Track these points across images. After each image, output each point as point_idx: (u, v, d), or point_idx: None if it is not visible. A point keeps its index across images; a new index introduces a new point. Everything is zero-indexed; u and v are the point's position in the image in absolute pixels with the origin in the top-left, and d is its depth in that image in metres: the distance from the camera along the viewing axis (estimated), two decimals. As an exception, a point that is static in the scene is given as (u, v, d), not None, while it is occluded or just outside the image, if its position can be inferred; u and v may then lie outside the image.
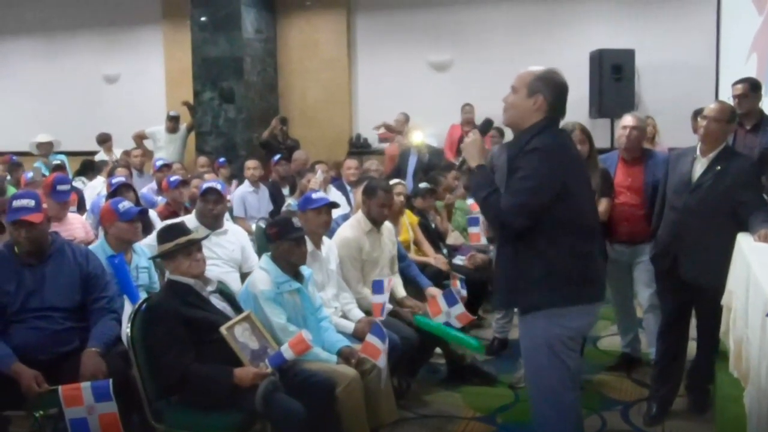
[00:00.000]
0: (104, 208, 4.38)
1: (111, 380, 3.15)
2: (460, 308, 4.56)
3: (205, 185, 4.95)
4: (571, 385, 3.08)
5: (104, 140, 10.42)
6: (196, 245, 3.63)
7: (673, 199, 4.23)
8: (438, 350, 4.99)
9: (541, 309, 2.98)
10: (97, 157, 9.77)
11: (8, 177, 8.31)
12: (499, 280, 3.15)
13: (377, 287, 4.35)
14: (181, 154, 10.43)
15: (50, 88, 12.28)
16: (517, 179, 2.90)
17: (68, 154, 10.13)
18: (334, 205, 4.49)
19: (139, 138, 10.47)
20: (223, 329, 3.40)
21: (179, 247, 3.56)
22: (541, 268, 2.94)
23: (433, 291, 4.94)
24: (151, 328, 3.44)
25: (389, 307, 4.40)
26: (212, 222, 4.83)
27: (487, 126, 3.36)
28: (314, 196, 4.43)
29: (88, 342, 3.56)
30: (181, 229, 3.68)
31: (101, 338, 3.58)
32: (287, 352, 3.34)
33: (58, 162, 8.49)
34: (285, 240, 3.90)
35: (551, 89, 3.01)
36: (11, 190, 7.60)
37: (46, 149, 9.45)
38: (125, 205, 4.26)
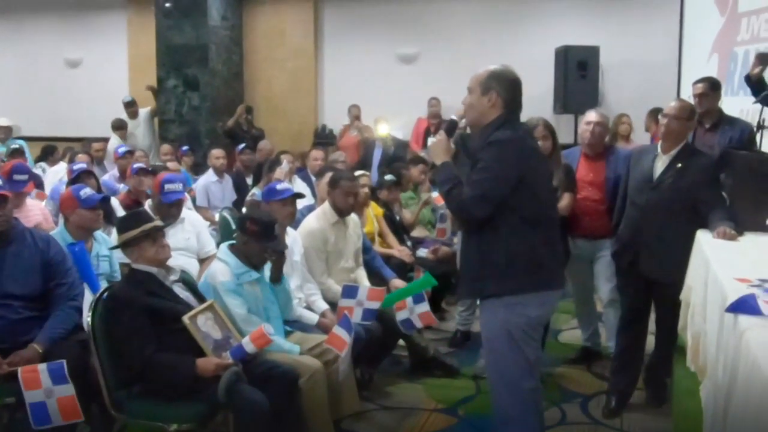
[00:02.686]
0: (65, 194, 4.31)
1: (65, 362, 3.13)
2: (425, 306, 4.55)
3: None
4: (530, 373, 3.15)
5: (119, 126, 10.12)
6: (161, 231, 3.59)
7: (634, 196, 4.28)
8: (401, 342, 5.00)
9: (501, 296, 3.08)
10: (111, 144, 9.51)
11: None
12: (463, 269, 3.26)
13: (349, 292, 4.29)
14: (148, 139, 10.29)
15: (11, 72, 12.03)
16: (477, 171, 3.03)
17: (28, 139, 9.96)
18: (299, 195, 4.47)
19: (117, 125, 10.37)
20: (185, 318, 3.37)
21: (144, 234, 3.51)
22: (502, 256, 3.05)
23: (397, 283, 4.96)
24: (113, 318, 3.39)
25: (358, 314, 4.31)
26: (167, 215, 4.73)
27: (452, 126, 3.40)
28: (279, 187, 4.39)
29: (37, 336, 3.50)
30: (144, 216, 3.64)
31: (50, 333, 3.53)
32: (248, 345, 3.32)
33: (16, 146, 8.31)
34: (260, 245, 3.85)
35: (504, 85, 3.13)
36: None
37: (4, 134, 9.27)
38: (87, 192, 4.19)
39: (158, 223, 3.62)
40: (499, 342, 3.12)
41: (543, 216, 3.14)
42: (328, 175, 5.01)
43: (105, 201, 4.31)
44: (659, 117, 4.31)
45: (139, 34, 11.16)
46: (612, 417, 4.35)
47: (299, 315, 4.23)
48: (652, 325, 4.46)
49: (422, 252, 6.09)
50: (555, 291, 3.21)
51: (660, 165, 4.18)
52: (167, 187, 4.70)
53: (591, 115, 4.83)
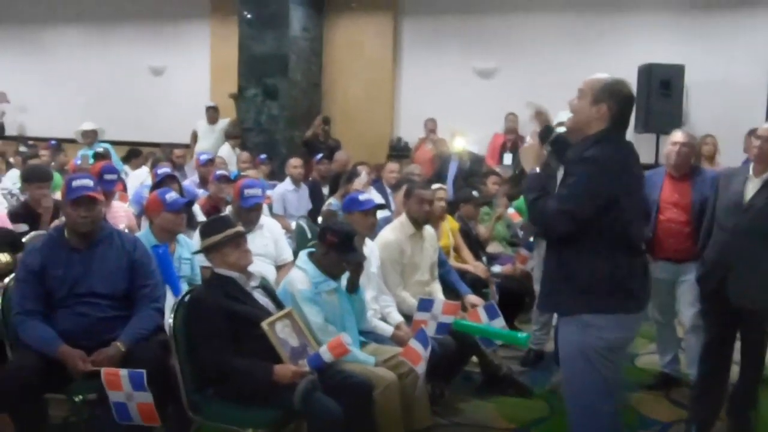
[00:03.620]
0: (151, 197, 4.41)
1: (145, 372, 3.17)
2: (500, 322, 4.47)
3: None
4: (608, 395, 3.05)
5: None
6: (243, 237, 3.64)
7: (722, 219, 4.15)
8: (474, 359, 4.95)
9: (576, 314, 3.00)
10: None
11: (52, 163, 8.44)
12: (543, 282, 3.21)
13: (424, 305, 4.24)
14: (218, 146, 10.49)
15: (96, 78, 12.43)
16: (567, 185, 2.94)
17: (112, 143, 10.24)
18: (381, 206, 4.47)
19: (194, 137, 10.64)
20: (264, 324, 3.40)
21: (228, 239, 3.57)
22: (582, 273, 2.97)
23: (472, 299, 4.91)
24: (194, 320, 3.45)
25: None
26: (246, 221, 4.78)
27: (547, 133, 3.32)
28: (361, 197, 4.41)
29: (120, 335, 3.58)
30: (227, 222, 3.70)
31: (133, 333, 3.60)
32: (326, 354, 3.32)
33: (101, 150, 8.57)
34: (339, 256, 3.87)
35: (616, 100, 3.01)
36: (56, 177, 7.73)
37: (90, 137, 9.57)
38: (172, 195, 4.29)
39: (240, 228, 3.67)
40: (575, 362, 3.04)
41: (629, 240, 3.02)
42: (405, 188, 5.00)
43: (189, 205, 4.39)
44: (752, 138, 4.16)
45: (221, 44, 11.40)
46: (692, 447, 4.21)
47: (374, 326, 4.23)
48: (736, 354, 4.31)
49: (497, 268, 6.02)
50: (634, 314, 3.07)
51: (751, 188, 4.04)
52: (247, 192, 4.77)
53: (677, 136, 4.71)
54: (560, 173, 3.08)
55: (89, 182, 3.77)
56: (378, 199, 6.31)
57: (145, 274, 3.78)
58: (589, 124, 3.01)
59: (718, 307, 4.16)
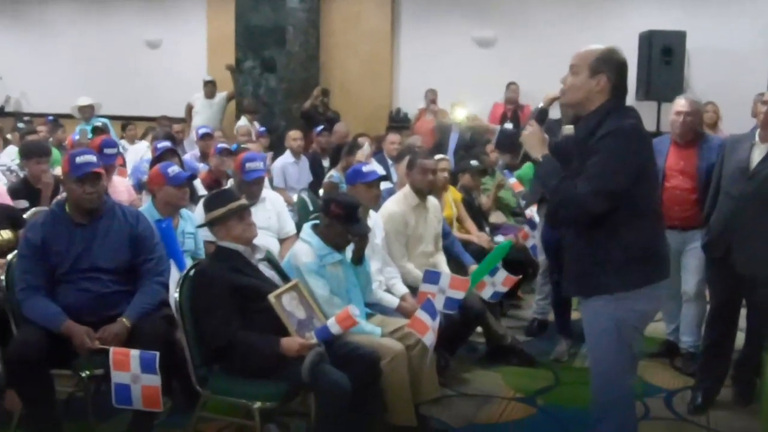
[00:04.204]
0: (153, 172, 4.37)
1: (158, 354, 3.16)
2: (502, 273, 4.53)
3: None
4: (633, 369, 3.08)
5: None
6: (247, 210, 3.62)
7: (728, 186, 4.13)
8: (478, 329, 4.94)
9: (614, 292, 2.91)
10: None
11: (50, 138, 8.38)
12: (571, 266, 3.06)
13: (430, 277, 4.21)
14: (217, 121, 10.43)
15: (92, 52, 12.31)
16: (596, 163, 2.82)
17: (109, 117, 10.17)
18: (385, 178, 4.43)
19: (189, 110, 10.55)
20: (271, 297, 3.38)
21: (232, 212, 3.54)
22: (617, 250, 2.88)
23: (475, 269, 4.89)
24: (199, 294, 3.43)
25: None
26: (248, 194, 4.74)
27: (543, 115, 3.27)
28: (365, 169, 4.35)
29: (126, 310, 3.56)
30: (231, 195, 3.68)
31: (138, 308, 3.59)
32: (334, 326, 3.30)
33: (99, 124, 8.50)
34: (343, 227, 3.84)
35: (614, 69, 2.93)
36: (54, 152, 7.67)
37: (87, 112, 9.48)
38: (174, 169, 4.25)
39: (245, 201, 3.65)
40: (607, 339, 2.97)
41: (655, 207, 3.02)
42: (407, 159, 4.96)
43: (191, 179, 4.35)
44: (759, 104, 4.12)
45: (218, 16, 11.27)
46: (698, 414, 4.23)
47: (379, 298, 4.21)
48: (742, 321, 4.31)
49: (500, 238, 6.00)
50: (665, 281, 3.05)
51: (758, 154, 4.02)
52: (248, 165, 4.71)
53: (680, 104, 4.63)
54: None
55: (93, 158, 3.73)
56: (380, 170, 6.32)
57: (148, 248, 3.76)
58: (591, 99, 2.92)
59: (723, 274, 4.17)
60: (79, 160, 3.67)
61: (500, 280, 4.56)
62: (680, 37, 8.60)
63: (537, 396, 4.49)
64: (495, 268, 4.56)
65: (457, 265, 4.95)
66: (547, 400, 4.45)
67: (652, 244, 2.97)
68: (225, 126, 10.35)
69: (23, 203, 5.11)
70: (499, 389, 4.57)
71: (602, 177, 2.80)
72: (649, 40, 8.60)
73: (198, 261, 3.86)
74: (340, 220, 3.82)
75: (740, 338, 4.37)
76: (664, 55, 8.50)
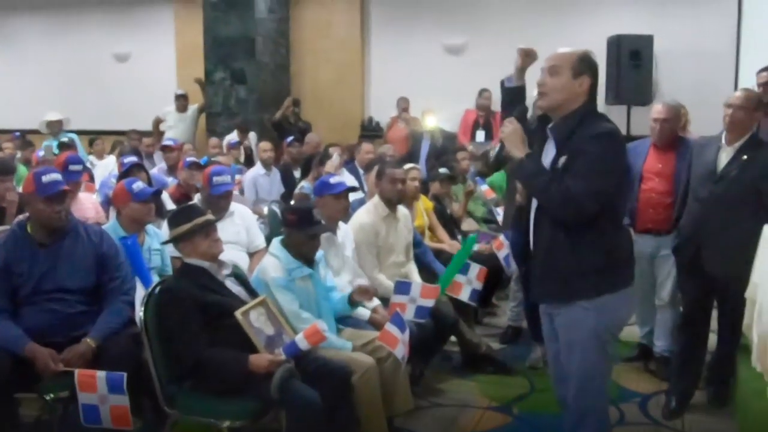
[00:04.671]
0: (117, 188, 4.30)
1: (125, 375, 3.09)
2: (474, 268, 4.51)
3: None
4: (609, 374, 3.12)
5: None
6: (213, 225, 3.56)
7: (697, 189, 4.14)
8: (452, 338, 4.92)
9: (594, 297, 2.89)
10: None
11: (18, 154, 8.25)
12: (548, 270, 2.98)
13: (401, 288, 4.19)
14: (190, 134, 10.35)
15: (60, 66, 12.19)
16: (587, 163, 2.79)
17: (78, 132, 10.05)
18: (353, 189, 4.40)
19: (157, 124, 10.43)
20: (238, 314, 3.32)
21: (197, 228, 3.48)
22: (601, 254, 2.88)
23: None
24: (165, 312, 3.37)
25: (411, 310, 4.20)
26: (216, 208, 4.70)
27: (523, 113, 3.22)
28: (332, 180, 4.32)
29: (91, 330, 3.50)
30: (196, 210, 3.61)
31: (103, 327, 3.53)
32: (302, 342, 3.25)
33: (65, 140, 8.38)
34: (301, 231, 3.81)
35: (593, 71, 2.94)
36: (21, 169, 7.55)
37: (55, 127, 9.35)
38: (139, 185, 4.18)
39: (210, 217, 3.59)
40: (587, 346, 2.95)
41: (624, 210, 3.07)
42: (376, 168, 4.93)
43: (157, 194, 4.29)
44: (724, 107, 4.13)
45: (186, 28, 11.19)
46: (673, 418, 4.22)
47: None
48: (713, 323, 4.31)
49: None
50: (632, 286, 3.05)
51: (724, 157, 4.03)
52: (216, 179, 4.67)
53: (657, 110, 4.62)
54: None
55: (59, 176, 3.69)
56: (350, 181, 6.28)
57: (113, 267, 3.70)
58: (572, 101, 2.90)
59: (694, 277, 4.18)
60: (45, 179, 3.62)
61: (474, 276, 4.53)
62: (648, 40, 8.64)
63: (513, 404, 4.47)
64: (466, 265, 4.54)
65: (428, 274, 4.92)
66: (522, 407, 4.43)
67: (629, 246, 3.01)
68: (198, 139, 10.28)
69: (-7, 223, 5.02)
70: (474, 398, 4.54)
71: (597, 177, 2.79)
72: (617, 44, 8.63)
73: (163, 278, 3.79)
74: (296, 226, 3.80)
75: (712, 340, 4.37)
76: (632, 58, 8.53)
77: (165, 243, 3.89)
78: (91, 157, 8.88)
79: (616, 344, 3.08)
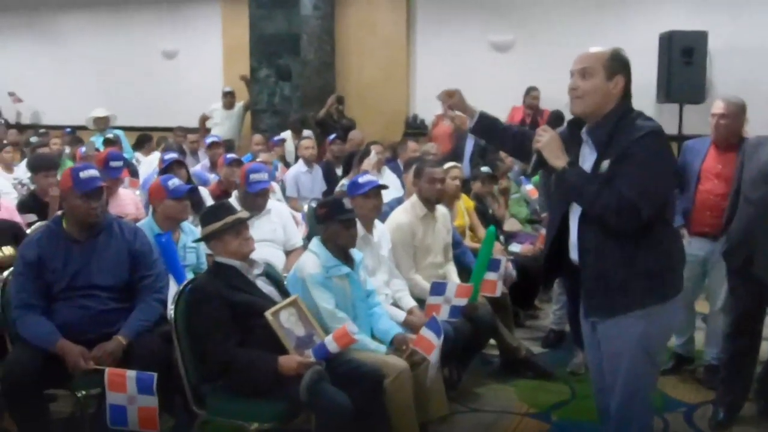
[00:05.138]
0: (153, 184, 4.29)
1: (156, 375, 3.06)
2: (501, 265, 4.44)
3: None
4: (655, 386, 3.03)
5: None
6: (244, 224, 3.51)
7: (748, 191, 3.95)
8: (492, 341, 4.80)
9: (647, 306, 2.74)
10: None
11: (67, 150, 8.37)
12: (600, 281, 2.79)
13: (437, 288, 4.09)
14: (237, 131, 10.39)
15: (109, 64, 12.31)
16: (637, 165, 2.64)
17: (125, 129, 10.17)
18: (383, 187, 4.28)
19: (203, 121, 10.49)
20: (268, 314, 3.27)
21: (227, 227, 3.44)
22: (654, 260, 2.73)
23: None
24: (195, 311, 3.33)
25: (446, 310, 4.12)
26: (253, 206, 4.65)
27: (558, 120, 3.10)
28: (361, 180, 4.20)
29: (122, 327, 3.48)
30: (227, 208, 3.56)
31: (135, 326, 3.51)
32: (331, 344, 3.18)
33: (110, 136, 8.46)
34: (333, 221, 3.73)
35: (626, 69, 2.80)
36: (68, 163, 7.64)
37: (102, 124, 9.46)
38: (175, 182, 4.16)
39: (242, 215, 3.54)
40: (635, 355, 2.79)
41: (675, 209, 2.92)
42: (414, 167, 4.83)
43: (192, 192, 4.26)
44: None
45: (233, 25, 11.23)
46: (720, 430, 4.05)
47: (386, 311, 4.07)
48: (766, 331, 4.13)
49: (515, 247, 5.84)
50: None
51: (780, 157, 3.84)
52: (252, 176, 4.63)
53: (716, 106, 4.42)
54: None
55: (96, 172, 3.71)
56: (390, 180, 6.20)
57: (146, 265, 3.68)
58: (608, 102, 2.76)
59: (745, 282, 4.00)
60: (83, 175, 3.63)
61: (503, 271, 4.48)
62: (702, 37, 8.38)
63: (552, 411, 4.34)
64: (496, 261, 4.43)
65: (468, 276, 4.79)
66: (561, 415, 4.30)
67: (681, 249, 2.88)
68: (244, 136, 10.31)
69: (31, 217, 5.07)
70: (512, 404, 4.42)
71: (650, 179, 2.66)
72: (669, 41, 8.40)
73: (194, 277, 3.76)
74: (329, 217, 3.74)
75: (764, 349, 4.19)
76: (685, 56, 8.30)
77: (196, 241, 3.85)
78: (137, 154, 8.95)
79: (664, 354, 2.92)
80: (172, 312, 3.38)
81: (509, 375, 4.78)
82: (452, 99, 3.12)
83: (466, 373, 4.66)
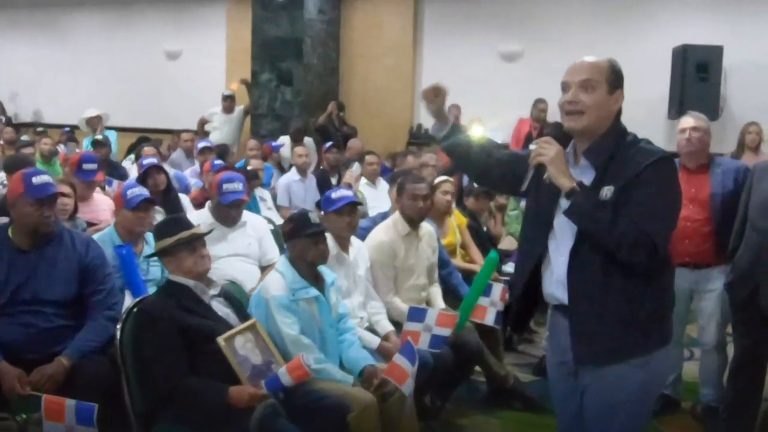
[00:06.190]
0: (116, 192, 4.03)
1: (96, 406, 2.78)
2: (498, 288, 4.17)
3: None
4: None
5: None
6: (200, 240, 3.22)
7: (756, 220, 3.66)
8: (478, 369, 4.50)
9: (648, 353, 2.42)
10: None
11: (64, 150, 8.15)
12: (599, 324, 2.42)
13: (415, 314, 3.80)
14: (235, 136, 10.14)
15: (111, 63, 12.17)
16: (654, 196, 2.34)
17: (126, 129, 9.96)
18: (357, 203, 3.98)
19: (202, 124, 10.25)
20: (220, 340, 2.99)
21: (182, 242, 3.16)
22: (655, 301, 2.42)
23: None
24: (142, 334, 3.06)
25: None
26: (226, 218, 4.40)
27: (560, 131, 2.74)
28: (334, 195, 3.91)
29: (67, 348, 3.22)
30: (183, 222, 3.28)
31: (81, 345, 3.26)
32: (284, 377, 2.89)
33: (99, 137, 8.21)
34: (300, 237, 3.45)
35: (622, 84, 2.48)
36: (58, 164, 7.44)
37: (94, 124, 9.23)
38: (134, 191, 3.87)
39: (197, 230, 3.24)
40: (635, 406, 2.47)
41: None
42: (397, 183, 4.54)
43: (149, 202, 3.93)
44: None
45: (237, 27, 10.99)
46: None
47: (359, 337, 3.78)
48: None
49: (510, 267, 5.54)
50: None
51: (791, 184, 3.53)
52: (225, 186, 4.30)
53: (686, 121, 4.09)
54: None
55: (49, 178, 3.47)
56: (383, 191, 5.90)
57: (97, 279, 3.42)
58: (607, 119, 2.45)
59: (750, 317, 3.72)
60: (36, 180, 3.38)
61: (497, 297, 4.16)
62: (717, 51, 8.10)
63: (537, 448, 4.04)
64: (488, 286, 4.16)
65: (454, 299, 4.51)
66: (549, 452, 3.99)
67: (673, 289, 2.55)
68: (243, 141, 10.06)
69: (3, 220, 4.83)
70: (496, 439, 4.13)
71: (669, 212, 2.40)
72: (683, 55, 8.13)
73: (143, 296, 3.47)
74: (295, 234, 3.47)
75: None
76: (699, 71, 8.03)
77: (149, 257, 3.56)
78: (132, 156, 8.71)
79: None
80: (119, 332, 3.11)
81: (496, 405, 4.49)
82: (437, 98, 2.74)
83: (450, 401, 4.36)
